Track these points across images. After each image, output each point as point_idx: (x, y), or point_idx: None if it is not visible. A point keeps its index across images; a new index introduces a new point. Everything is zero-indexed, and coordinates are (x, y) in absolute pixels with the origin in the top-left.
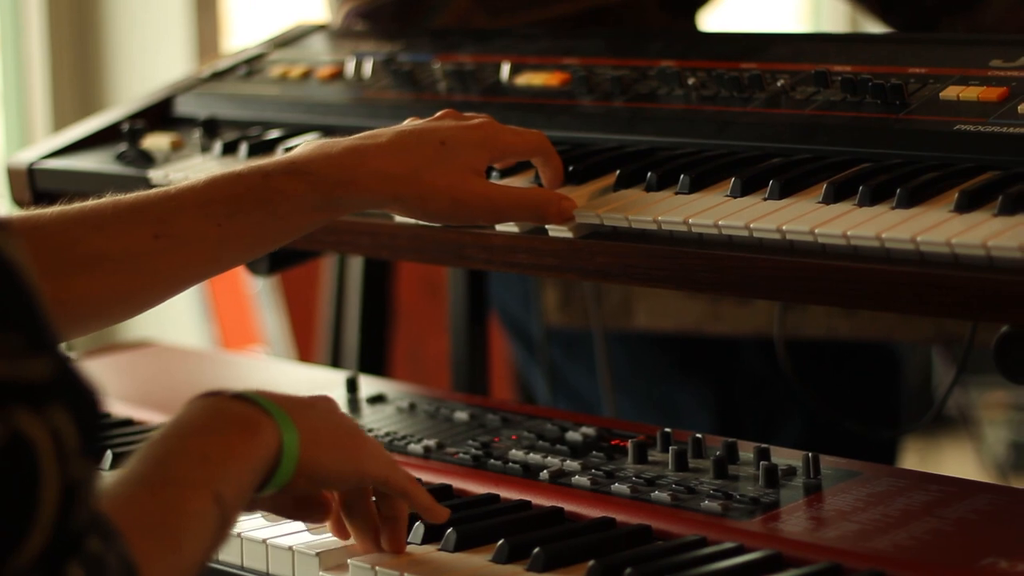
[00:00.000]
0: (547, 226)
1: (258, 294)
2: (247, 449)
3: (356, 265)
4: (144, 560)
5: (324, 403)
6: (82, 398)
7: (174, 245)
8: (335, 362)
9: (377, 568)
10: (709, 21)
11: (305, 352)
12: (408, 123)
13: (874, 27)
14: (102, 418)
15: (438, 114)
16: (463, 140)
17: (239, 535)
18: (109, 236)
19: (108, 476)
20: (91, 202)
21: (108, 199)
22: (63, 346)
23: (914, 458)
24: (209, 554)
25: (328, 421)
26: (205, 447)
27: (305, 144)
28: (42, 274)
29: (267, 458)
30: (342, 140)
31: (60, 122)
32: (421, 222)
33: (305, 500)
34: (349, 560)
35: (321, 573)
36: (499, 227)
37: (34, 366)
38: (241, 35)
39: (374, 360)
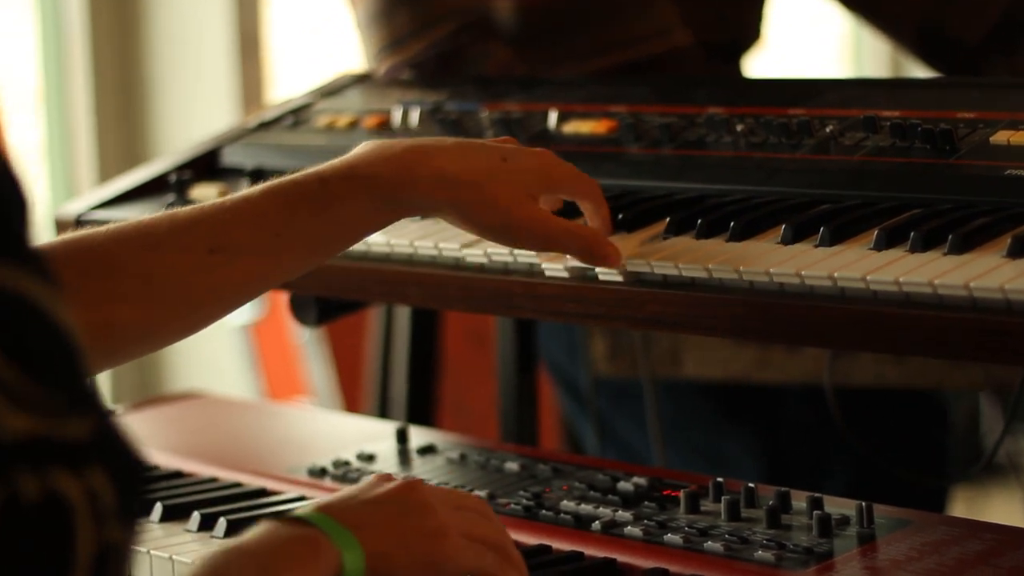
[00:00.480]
0: (597, 273)
1: (304, 345)
2: (306, 568)
3: (403, 315)
4: None
5: (400, 499)
6: (122, 461)
7: (231, 259)
8: (382, 412)
9: None
10: (752, 67)
11: (351, 403)
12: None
13: (918, 70)
14: (142, 482)
15: (501, 138)
16: (523, 162)
17: None
18: (163, 253)
19: (168, 561)
20: (146, 219)
21: (163, 214)
22: (108, 397)
23: (961, 506)
24: None
25: (401, 526)
26: (261, 562)
27: (363, 145)
28: (96, 298)
29: None
30: (402, 140)
31: (105, 174)
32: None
33: None
34: None
35: None
36: (548, 274)
37: (74, 426)
38: (284, 85)
39: (421, 410)
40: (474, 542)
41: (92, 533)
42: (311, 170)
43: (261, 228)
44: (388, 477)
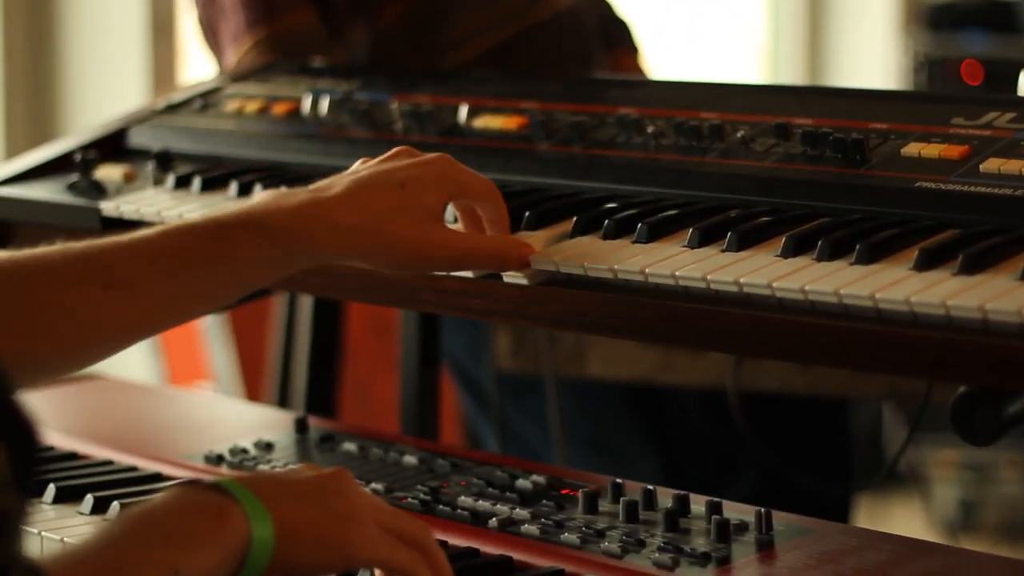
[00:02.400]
0: (502, 274)
1: (207, 330)
2: (212, 535)
3: (306, 304)
4: None
5: (320, 482)
6: (18, 431)
7: (125, 297)
8: (283, 401)
9: None
10: (667, 71)
11: (253, 390)
12: (361, 165)
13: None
14: (38, 454)
15: (392, 152)
16: (422, 180)
17: None
18: (57, 287)
19: (59, 543)
20: (40, 249)
21: (58, 247)
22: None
23: (862, 515)
24: None
25: (315, 506)
26: (167, 527)
27: (263, 195)
28: None
29: (236, 547)
30: (300, 192)
31: (12, 150)
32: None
33: None
34: None
35: None
36: (452, 273)
37: None
38: (197, 67)
39: (322, 400)
40: (390, 534)
41: None
42: (210, 216)
43: (156, 268)
44: (316, 468)
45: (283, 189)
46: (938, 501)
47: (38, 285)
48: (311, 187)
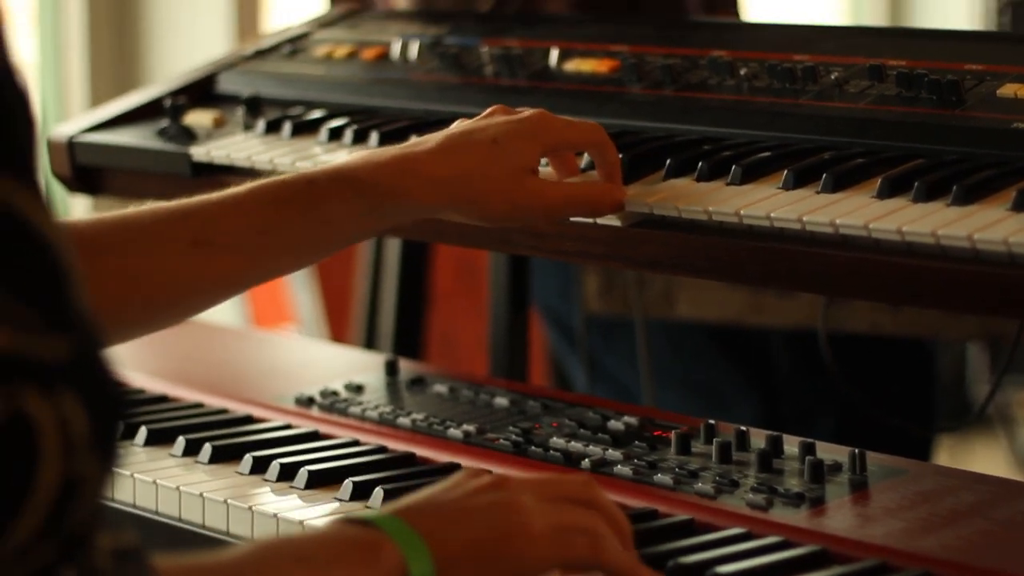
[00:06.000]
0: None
1: (292, 274)
2: (357, 567)
3: (393, 246)
4: None
5: (483, 501)
6: (100, 390)
7: (214, 253)
8: (369, 344)
9: None
10: (751, 12)
11: (338, 332)
12: (457, 125)
13: (919, 22)
14: (120, 415)
15: (487, 111)
16: (515, 135)
17: None
18: (146, 246)
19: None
20: (128, 210)
21: (147, 207)
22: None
23: (944, 455)
24: None
25: (475, 528)
26: (306, 552)
27: (353, 155)
28: None
29: None
30: (390, 148)
31: (97, 98)
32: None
33: None
34: None
35: None
36: None
37: (51, 346)
38: (280, 14)
39: (409, 343)
40: (562, 532)
41: (58, 463)
42: (300, 173)
43: (246, 224)
44: (478, 473)
45: (372, 149)
46: (1020, 441)
47: (128, 245)
48: (403, 144)
